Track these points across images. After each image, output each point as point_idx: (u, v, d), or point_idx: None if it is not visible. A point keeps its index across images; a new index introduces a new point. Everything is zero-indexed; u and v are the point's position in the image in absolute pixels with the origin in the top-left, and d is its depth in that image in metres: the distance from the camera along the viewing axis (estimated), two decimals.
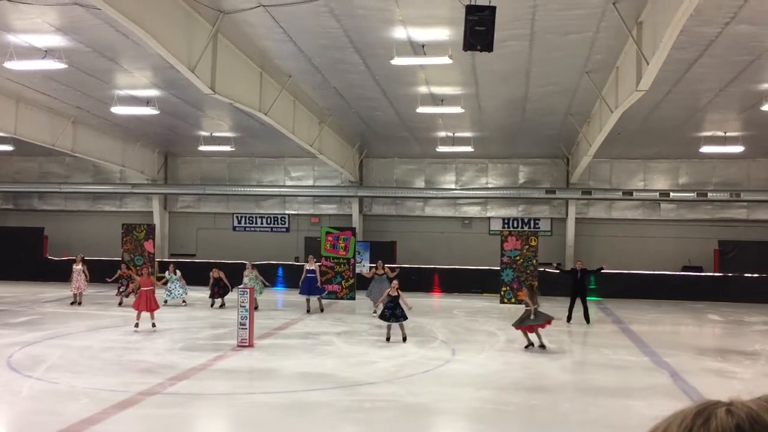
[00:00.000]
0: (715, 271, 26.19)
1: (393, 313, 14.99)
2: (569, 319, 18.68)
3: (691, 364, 13.39)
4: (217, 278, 20.61)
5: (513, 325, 14.71)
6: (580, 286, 18.76)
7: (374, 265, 20.78)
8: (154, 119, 22.24)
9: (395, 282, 15.40)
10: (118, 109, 19.82)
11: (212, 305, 20.56)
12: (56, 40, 14.39)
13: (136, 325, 15.72)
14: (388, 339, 15.08)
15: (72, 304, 20.58)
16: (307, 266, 19.91)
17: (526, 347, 14.29)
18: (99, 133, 25.03)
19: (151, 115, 20.89)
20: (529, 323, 14.31)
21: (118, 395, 10.01)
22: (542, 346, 14.28)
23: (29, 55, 14.85)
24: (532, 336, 14.37)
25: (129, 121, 23.23)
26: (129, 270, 21.63)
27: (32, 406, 9.75)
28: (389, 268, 20.09)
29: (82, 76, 17.37)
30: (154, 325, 15.83)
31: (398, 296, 15.04)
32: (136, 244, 24.09)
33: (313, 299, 19.99)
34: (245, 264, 21.04)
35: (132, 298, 17.81)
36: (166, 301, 20.63)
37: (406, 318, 15.16)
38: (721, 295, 24.46)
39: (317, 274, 19.99)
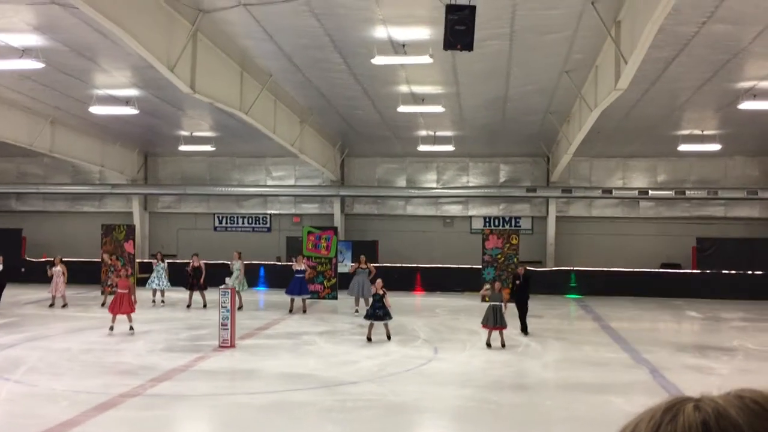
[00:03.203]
0: (693, 268, 26.46)
1: (385, 312, 15.03)
2: (525, 330, 16.34)
3: (670, 360, 13.53)
4: (197, 266, 20.56)
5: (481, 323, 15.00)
6: (523, 292, 16.61)
7: (355, 263, 20.84)
8: (134, 119, 22.06)
9: (379, 281, 15.41)
10: (96, 109, 19.64)
11: (189, 305, 20.42)
12: (33, 40, 14.23)
13: (111, 328, 15.55)
14: (369, 339, 15.08)
15: (50, 306, 20.36)
16: (296, 266, 19.89)
17: (488, 345, 14.51)
18: (78, 134, 24.79)
19: (131, 114, 20.71)
20: (486, 323, 14.59)
21: (98, 397, 9.92)
22: (502, 344, 14.50)
23: (6, 55, 14.66)
24: (494, 335, 14.58)
25: (108, 121, 23.02)
26: (117, 261, 21.82)
27: (11, 409, 9.64)
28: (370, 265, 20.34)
29: (60, 76, 17.20)
30: (131, 328, 15.65)
31: (383, 295, 15.08)
32: (116, 245, 23.88)
33: (297, 299, 19.96)
34: (231, 258, 21.03)
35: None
36: (154, 291, 21.24)
37: (390, 318, 15.22)
38: (699, 291, 24.72)
39: (306, 274, 20.08)
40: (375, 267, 20.64)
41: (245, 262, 21.54)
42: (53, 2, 11.87)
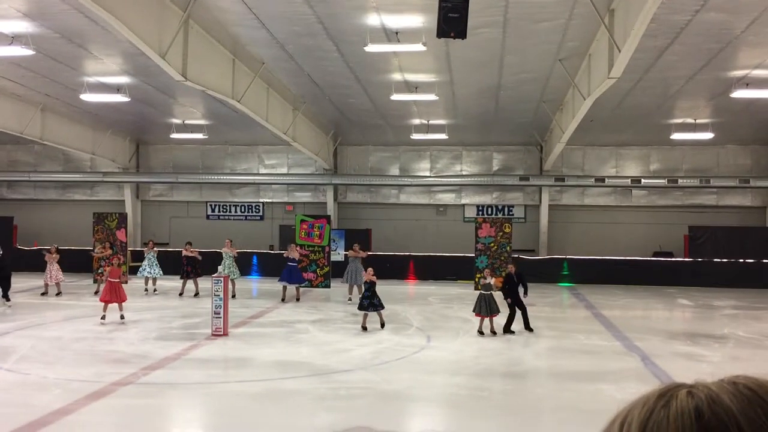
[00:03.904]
0: (685, 257, 26.57)
1: (371, 302, 15.03)
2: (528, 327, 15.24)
3: (662, 348, 13.60)
4: (190, 255, 20.55)
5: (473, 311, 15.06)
6: (516, 291, 15.32)
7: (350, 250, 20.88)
8: (125, 106, 21.94)
9: (370, 269, 15.43)
10: (87, 97, 19.53)
11: (181, 293, 20.41)
12: (23, 26, 14.10)
13: (103, 317, 15.48)
14: (364, 328, 15.08)
15: (43, 294, 20.31)
16: (288, 254, 19.89)
17: (480, 333, 14.65)
18: (68, 121, 24.65)
19: (122, 102, 20.60)
20: (478, 311, 14.71)
21: (91, 386, 9.92)
22: (493, 332, 14.61)
23: None
24: (485, 323, 14.70)
25: (99, 109, 22.89)
26: (110, 249, 21.80)
27: (2, 398, 9.62)
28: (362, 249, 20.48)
29: (50, 63, 17.06)
30: (122, 317, 15.58)
31: (374, 283, 15.09)
32: (108, 233, 23.83)
33: (290, 287, 19.97)
34: (223, 247, 20.90)
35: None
36: (146, 279, 21.21)
37: (383, 307, 15.25)
38: (691, 280, 24.83)
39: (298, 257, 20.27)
40: (367, 255, 20.70)
41: (237, 251, 21.50)
42: None
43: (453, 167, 29.12)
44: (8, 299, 17.81)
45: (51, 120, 23.66)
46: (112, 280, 15.71)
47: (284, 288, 19.90)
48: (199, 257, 20.55)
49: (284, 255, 20.09)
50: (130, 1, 11.40)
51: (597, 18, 12.04)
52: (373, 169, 29.40)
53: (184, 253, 20.67)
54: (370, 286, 15.11)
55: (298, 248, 20.94)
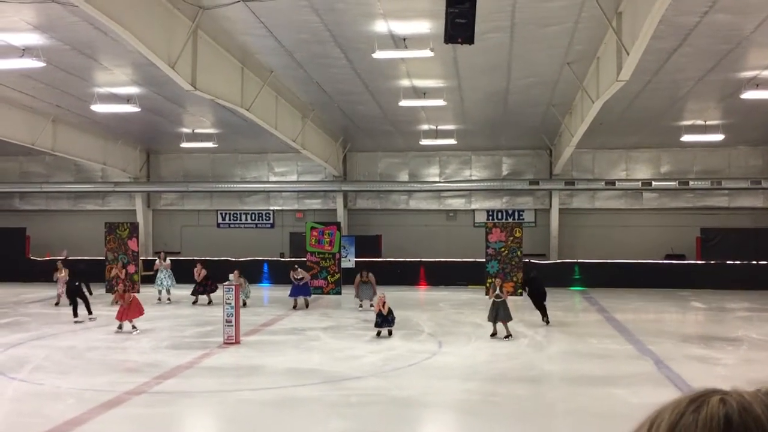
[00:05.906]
0: (697, 259, 26.42)
1: (385, 319, 15.11)
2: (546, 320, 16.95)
3: (675, 351, 13.52)
4: (202, 275, 20.65)
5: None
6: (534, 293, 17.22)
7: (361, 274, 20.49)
8: (135, 117, 22.05)
9: (381, 296, 15.43)
10: (98, 107, 19.64)
11: (194, 302, 20.49)
12: (34, 39, 14.23)
13: (120, 327, 15.62)
14: (378, 334, 15.12)
15: (56, 304, 20.41)
16: (295, 275, 19.89)
17: (492, 335, 14.88)
18: (79, 132, 24.80)
19: (132, 112, 20.71)
20: (489, 318, 15.01)
21: (104, 395, 9.95)
22: (507, 336, 14.78)
23: (6, 54, 14.67)
24: (499, 326, 14.87)
25: (110, 119, 23.02)
26: (122, 269, 21.98)
27: (17, 408, 9.68)
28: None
29: (61, 75, 17.19)
30: (134, 327, 15.59)
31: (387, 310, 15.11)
32: (120, 243, 23.94)
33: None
34: (233, 269, 20.84)
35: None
36: (160, 292, 21.23)
37: (395, 321, 15.33)
38: (703, 282, 24.67)
39: (307, 279, 20.24)
40: (375, 263, 20.63)
41: (247, 259, 21.57)
42: (53, 1, 11.85)
43: (462, 172, 29.10)
44: (90, 312, 17.67)
45: (62, 131, 23.82)
46: (124, 303, 15.66)
47: (295, 299, 19.93)
48: (213, 286, 20.57)
49: (291, 276, 20.07)
50: (139, 13, 11.49)
51: (605, 21, 12.02)
52: (383, 176, 29.41)
53: (197, 272, 20.73)
54: (379, 312, 15.15)
55: (309, 260, 20.87)
